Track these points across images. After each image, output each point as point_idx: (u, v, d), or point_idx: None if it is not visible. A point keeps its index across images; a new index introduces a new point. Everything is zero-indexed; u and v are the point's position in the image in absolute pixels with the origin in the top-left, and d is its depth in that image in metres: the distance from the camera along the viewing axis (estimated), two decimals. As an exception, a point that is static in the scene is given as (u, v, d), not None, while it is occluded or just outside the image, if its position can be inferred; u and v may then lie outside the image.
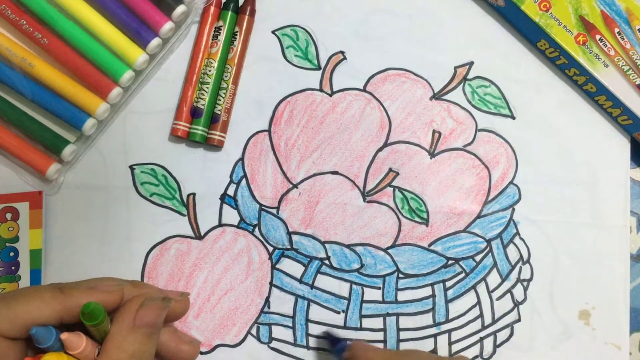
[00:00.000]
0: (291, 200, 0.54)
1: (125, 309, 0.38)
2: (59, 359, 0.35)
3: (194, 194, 0.53)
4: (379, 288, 0.54)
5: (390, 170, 0.55)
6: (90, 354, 0.37)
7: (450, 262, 0.55)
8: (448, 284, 0.54)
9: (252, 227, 0.53)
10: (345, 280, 0.54)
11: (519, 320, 0.55)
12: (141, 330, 0.37)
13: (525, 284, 0.55)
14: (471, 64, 0.57)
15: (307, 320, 0.53)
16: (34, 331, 0.35)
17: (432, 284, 0.54)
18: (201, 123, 0.53)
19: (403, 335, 0.54)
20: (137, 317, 0.38)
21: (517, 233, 0.56)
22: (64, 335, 0.36)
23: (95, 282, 0.40)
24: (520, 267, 0.55)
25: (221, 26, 0.54)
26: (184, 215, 0.53)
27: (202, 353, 0.52)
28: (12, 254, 0.50)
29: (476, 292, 0.55)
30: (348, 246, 0.54)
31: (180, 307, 0.43)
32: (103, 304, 0.37)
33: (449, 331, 0.54)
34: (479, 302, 0.55)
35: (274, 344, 0.53)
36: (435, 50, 0.57)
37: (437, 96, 0.56)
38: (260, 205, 0.54)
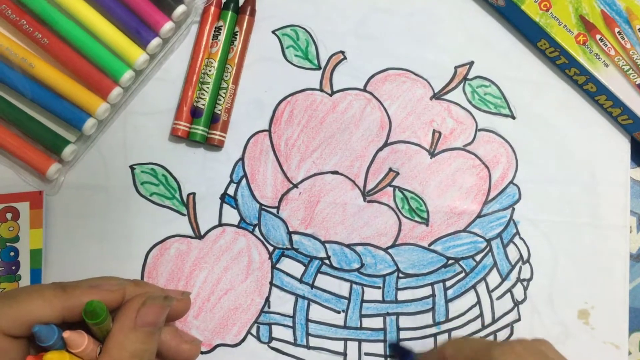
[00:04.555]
0: (291, 200, 0.54)
1: (127, 308, 0.38)
2: (61, 357, 0.35)
3: (194, 194, 0.53)
4: (379, 288, 0.54)
5: (390, 170, 0.55)
6: (92, 352, 0.37)
7: (450, 261, 0.55)
8: (448, 283, 0.54)
9: (252, 227, 0.53)
10: (346, 280, 0.54)
11: (518, 319, 0.55)
12: (143, 329, 0.37)
13: (525, 283, 0.55)
14: (471, 63, 0.57)
15: (307, 320, 0.53)
16: (36, 329, 0.35)
17: (432, 284, 0.54)
18: (201, 123, 0.53)
19: (403, 334, 0.54)
20: (139, 316, 0.38)
21: (517, 233, 0.56)
22: (66, 334, 0.36)
23: (97, 281, 0.40)
24: (520, 267, 0.55)
25: (221, 26, 0.54)
26: (184, 214, 0.53)
27: (202, 353, 0.51)
28: (12, 253, 0.50)
29: (476, 291, 0.55)
30: (348, 246, 0.54)
31: (182, 306, 0.43)
32: (105, 302, 0.37)
33: (449, 331, 0.54)
34: (478, 302, 0.55)
35: (274, 343, 0.53)
36: (435, 50, 0.57)
37: (437, 96, 0.56)
38: (261, 204, 0.54)
